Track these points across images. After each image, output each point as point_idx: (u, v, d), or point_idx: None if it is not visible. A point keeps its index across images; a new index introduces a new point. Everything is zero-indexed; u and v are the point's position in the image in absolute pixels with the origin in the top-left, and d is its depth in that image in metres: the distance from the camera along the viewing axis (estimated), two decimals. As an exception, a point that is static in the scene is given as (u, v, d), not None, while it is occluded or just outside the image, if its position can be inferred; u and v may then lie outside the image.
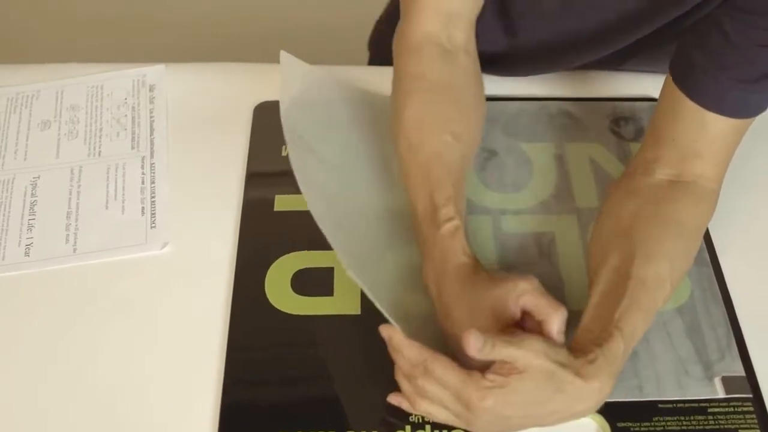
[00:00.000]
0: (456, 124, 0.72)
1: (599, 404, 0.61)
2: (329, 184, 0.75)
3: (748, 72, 0.66)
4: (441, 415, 0.61)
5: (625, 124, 0.86)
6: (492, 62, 0.86)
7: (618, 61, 0.88)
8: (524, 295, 0.62)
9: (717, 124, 0.69)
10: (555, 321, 0.61)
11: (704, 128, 0.69)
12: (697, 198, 0.70)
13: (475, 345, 0.56)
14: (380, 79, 0.88)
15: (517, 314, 0.63)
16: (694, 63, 0.68)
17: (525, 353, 0.57)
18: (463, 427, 0.61)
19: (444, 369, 0.59)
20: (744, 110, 0.68)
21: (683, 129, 0.70)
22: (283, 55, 0.81)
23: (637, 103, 0.87)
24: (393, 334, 0.61)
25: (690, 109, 0.69)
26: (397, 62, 0.76)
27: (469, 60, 0.76)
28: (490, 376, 0.58)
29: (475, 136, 0.74)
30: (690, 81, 0.69)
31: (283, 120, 0.73)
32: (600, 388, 0.60)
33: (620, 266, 0.65)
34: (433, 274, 0.66)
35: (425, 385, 0.60)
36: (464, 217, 0.69)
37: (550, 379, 0.58)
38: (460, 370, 0.58)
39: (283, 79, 0.79)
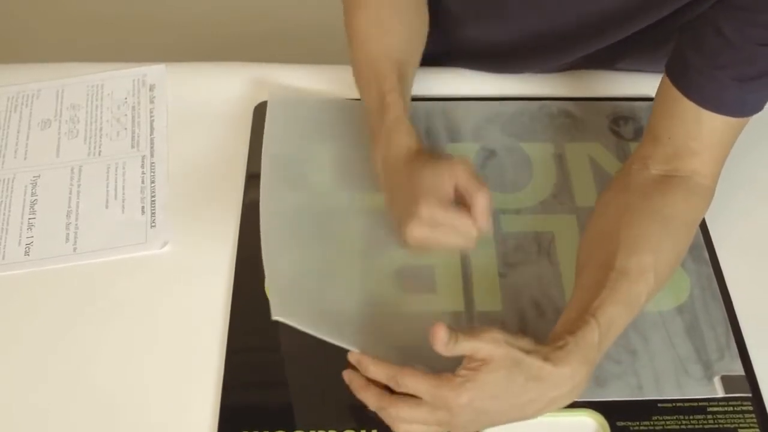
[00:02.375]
0: (401, 33, 0.79)
1: (575, 392, 0.61)
2: (308, 204, 0.77)
3: (746, 71, 0.66)
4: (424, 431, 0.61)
5: (624, 124, 0.86)
6: (484, 56, 0.86)
7: (612, 59, 0.88)
8: (458, 176, 0.66)
9: (714, 122, 0.68)
10: (478, 200, 0.65)
11: (700, 126, 0.69)
12: (689, 193, 0.70)
13: (442, 339, 0.58)
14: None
15: (452, 193, 0.66)
16: (690, 63, 0.68)
17: (485, 344, 0.58)
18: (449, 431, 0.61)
19: (414, 379, 0.59)
20: (742, 109, 0.68)
21: (679, 127, 0.70)
22: (271, 93, 0.85)
23: (637, 103, 0.87)
24: (360, 357, 0.63)
25: (686, 107, 0.69)
26: None
27: None
28: (461, 372, 0.58)
29: (418, 49, 0.81)
30: (686, 80, 0.69)
31: (263, 158, 0.78)
32: (571, 374, 0.60)
33: (605, 259, 0.65)
34: (381, 160, 0.72)
35: (397, 412, 0.60)
36: (409, 108, 0.75)
37: (518, 365, 0.58)
38: (430, 376, 0.59)
39: (270, 118, 0.82)
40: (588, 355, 0.61)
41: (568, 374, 0.60)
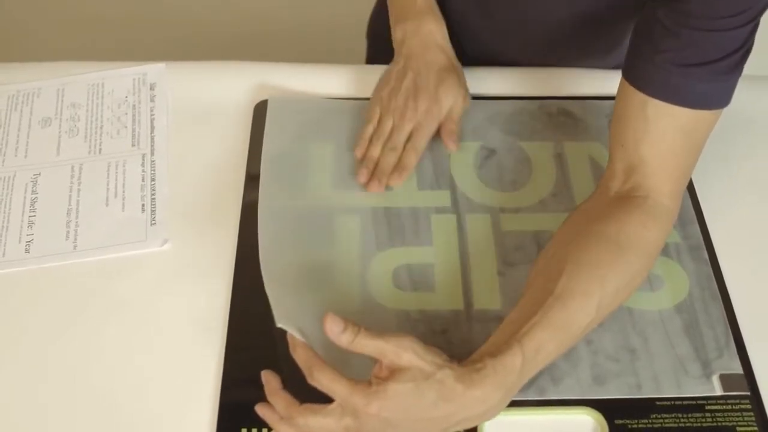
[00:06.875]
0: None
1: (488, 414, 0.60)
2: (307, 204, 0.78)
3: (687, 56, 0.65)
4: None
5: (624, 124, 0.86)
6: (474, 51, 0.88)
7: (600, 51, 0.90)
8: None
9: (660, 117, 0.67)
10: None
11: (647, 122, 0.67)
12: (645, 217, 0.68)
13: (331, 328, 0.58)
14: (377, 78, 0.88)
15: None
16: (637, 52, 0.68)
17: (391, 347, 0.58)
18: None
19: (331, 379, 0.58)
20: (687, 98, 0.66)
21: (629, 127, 0.69)
22: (271, 93, 0.86)
23: (636, 103, 0.87)
24: (296, 341, 0.62)
25: (634, 101, 0.68)
26: None
27: None
28: (373, 381, 0.58)
29: None
30: (633, 69, 0.69)
31: (263, 158, 0.80)
32: (483, 398, 0.58)
33: (547, 283, 0.64)
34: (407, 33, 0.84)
35: (305, 421, 0.59)
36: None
37: (427, 379, 0.57)
38: (346, 379, 0.58)
39: (270, 117, 0.84)
40: (505, 380, 0.59)
41: (480, 397, 0.58)
